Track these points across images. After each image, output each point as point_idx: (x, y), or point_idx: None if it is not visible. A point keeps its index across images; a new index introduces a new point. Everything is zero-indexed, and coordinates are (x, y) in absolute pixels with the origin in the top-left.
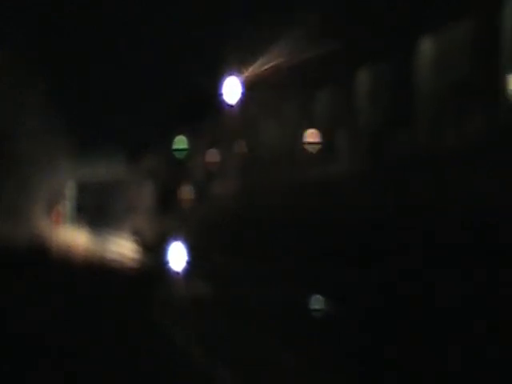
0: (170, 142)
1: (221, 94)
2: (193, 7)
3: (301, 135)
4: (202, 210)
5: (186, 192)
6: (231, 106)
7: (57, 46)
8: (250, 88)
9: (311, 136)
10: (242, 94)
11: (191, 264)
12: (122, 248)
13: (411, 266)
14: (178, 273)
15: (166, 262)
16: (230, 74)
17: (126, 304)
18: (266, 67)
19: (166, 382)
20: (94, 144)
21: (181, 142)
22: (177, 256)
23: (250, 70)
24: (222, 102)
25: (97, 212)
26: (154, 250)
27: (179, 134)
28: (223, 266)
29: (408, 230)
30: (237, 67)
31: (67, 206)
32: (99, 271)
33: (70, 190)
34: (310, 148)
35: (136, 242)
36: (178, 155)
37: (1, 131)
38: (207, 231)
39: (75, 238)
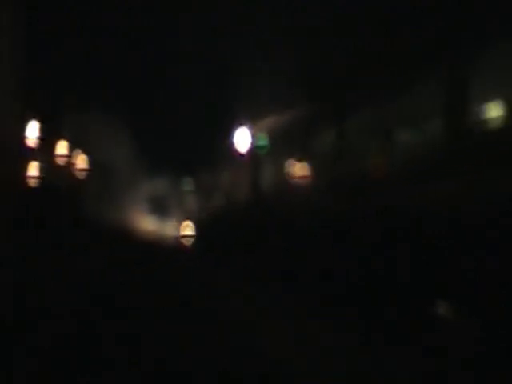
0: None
1: (232, 144)
2: (208, 63)
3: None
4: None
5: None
6: (242, 155)
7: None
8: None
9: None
10: (252, 143)
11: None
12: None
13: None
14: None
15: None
16: (241, 125)
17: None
18: (273, 119)
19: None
20: (159, 170)
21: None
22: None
23: (260, 122)
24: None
25: (160, 211)
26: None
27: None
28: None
29: None
30: (247, 119)
31: (144, 208)
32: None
33: (145, 200)
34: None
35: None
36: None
37: (102, 162)
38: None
39: (148, 225)
